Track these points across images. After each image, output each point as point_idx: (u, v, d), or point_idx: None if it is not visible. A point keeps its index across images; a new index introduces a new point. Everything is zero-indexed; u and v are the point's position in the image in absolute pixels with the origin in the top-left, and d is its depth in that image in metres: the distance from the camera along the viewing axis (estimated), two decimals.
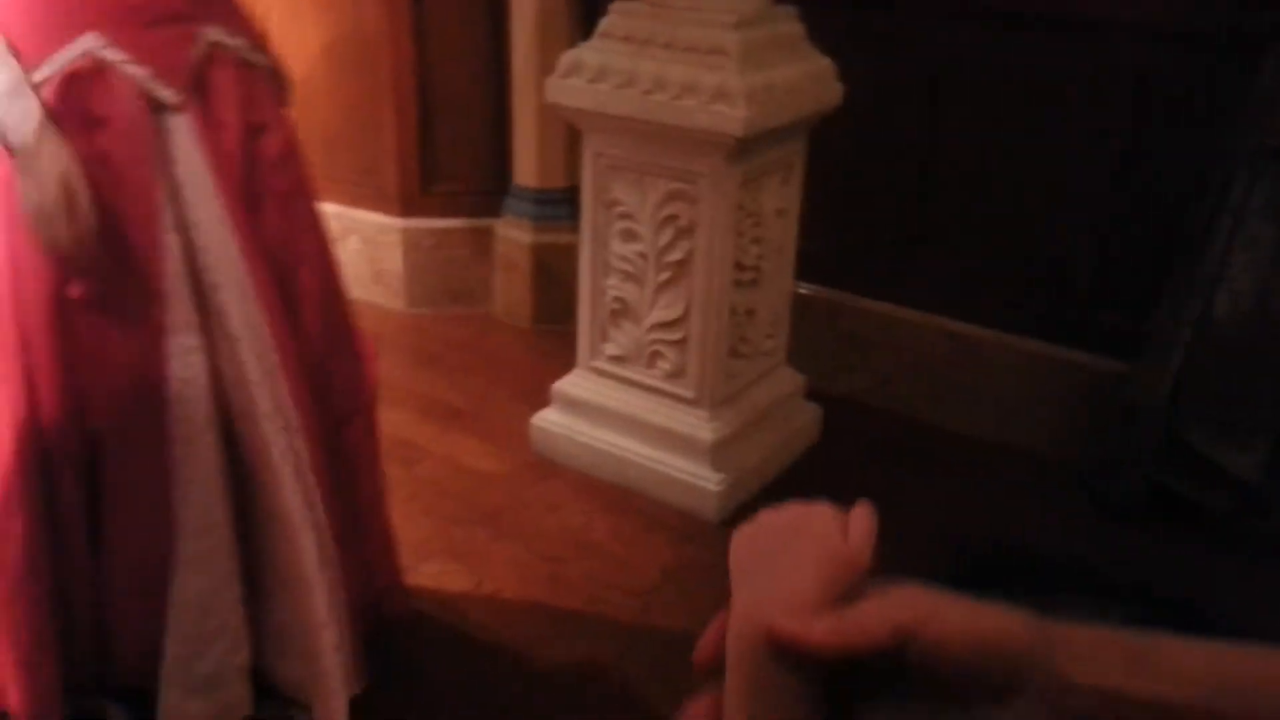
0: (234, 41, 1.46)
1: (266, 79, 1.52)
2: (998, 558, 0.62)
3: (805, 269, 2.44)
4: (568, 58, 2.12)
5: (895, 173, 2.50)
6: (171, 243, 1.39)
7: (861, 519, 0.53)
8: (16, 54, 1.33)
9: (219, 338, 1.43)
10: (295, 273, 1.50)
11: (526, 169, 3.01)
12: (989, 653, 0.47)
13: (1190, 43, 2.13)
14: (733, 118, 1.95)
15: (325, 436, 1.53)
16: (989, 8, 2.31)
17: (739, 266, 2.16)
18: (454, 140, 3.10)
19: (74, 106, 1.34)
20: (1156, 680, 0.45)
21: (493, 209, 3.11)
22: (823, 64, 2.18)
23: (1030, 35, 2.28)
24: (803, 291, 2.56)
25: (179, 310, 1.40)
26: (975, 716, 0.48)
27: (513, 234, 3.05)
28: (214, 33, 1.43)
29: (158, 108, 1.38)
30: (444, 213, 3.16)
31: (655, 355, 2.23)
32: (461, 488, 2.29)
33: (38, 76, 1.33)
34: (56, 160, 1.30)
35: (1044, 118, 2.31)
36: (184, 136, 1.40)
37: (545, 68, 2.75)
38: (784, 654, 0.50)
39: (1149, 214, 2.25)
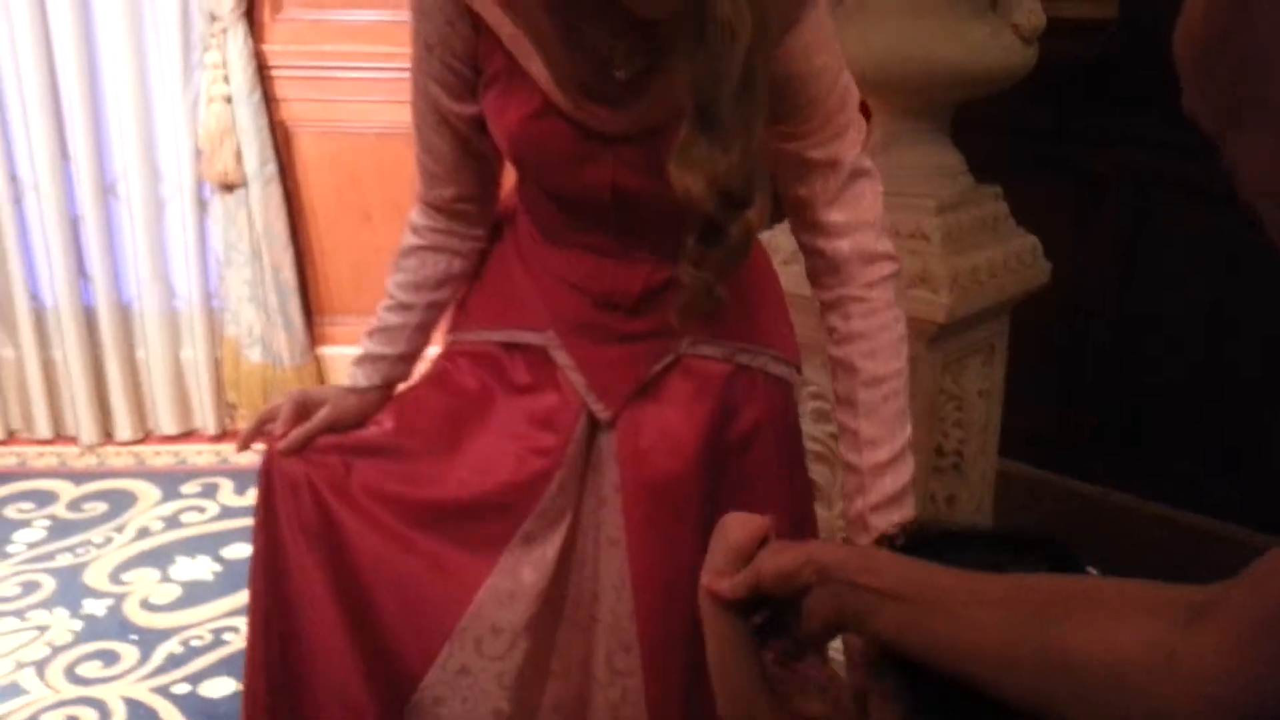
0: (721, 349, 1.32)
1: (768, 381, 1.36)
2: (924, 532, 0.95)
3: (1007, 447, 2.27)
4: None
5: (1104, 347, 2.33)
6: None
7: (753, 519, 0.90)
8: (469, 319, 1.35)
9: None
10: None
11: None
12: (799, 568, 0.83)
13: None
14: (936, 304, 1.84)
15: None
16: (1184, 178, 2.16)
17: (939, 452, 2.02)
18: None
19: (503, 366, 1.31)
20: (878, 578, 0.80)
21: None
22: (1027, 242, 2.05)
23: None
24: (1005, 472, 2.38)
25: None
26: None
27: None
28: (689, 343, 1.30)
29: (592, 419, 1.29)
30: None
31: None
32: None
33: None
34: None
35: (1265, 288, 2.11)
36: (607, 451, 1.29)
37: None
38: (713, 603, 0.88)
39: None
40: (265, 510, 1.26)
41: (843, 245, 1.21)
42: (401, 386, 1.37)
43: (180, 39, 3.04)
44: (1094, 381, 2.35)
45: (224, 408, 3.34)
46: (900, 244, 1.89)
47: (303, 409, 1.28)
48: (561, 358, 1.30)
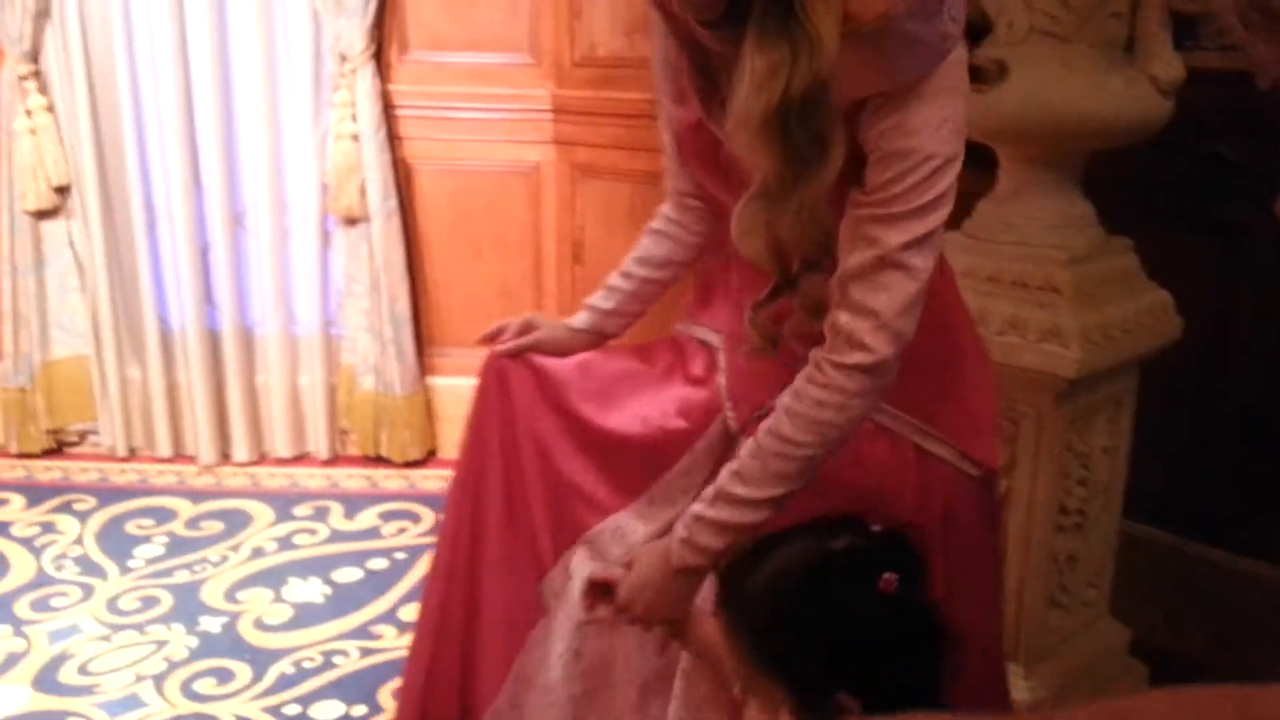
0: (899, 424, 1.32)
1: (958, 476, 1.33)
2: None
3: (1131, 508, 2.17)
4: None
5: (1239, 406, 2.21)
6: None
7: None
8: None
9: None
10: None
11: None
12: None
13: None
14: (1065, 359, 1.77)
15: None
16: None
17: (1062, 510, 1.94)
18: None
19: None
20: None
21: None
22: (1159, 297, 1.96)
23: None
24: (1128, 534, 2.28)
25: None
26: None
27: None
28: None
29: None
30: None
31: None
32: None
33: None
34: None
35: None
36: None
37: None
38: None
39: None
40: (477, 393, 1.52)
41: (840, 317, 1.17)
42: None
43: (312, 79, 3.12)
44: (1226, 442, 2.23)
45: (336, 433, 3.39)
46: (1029, 296, 1.84)
47: (527, 327, 1.52)
48: (720, 360, 1.45)
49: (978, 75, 1.24)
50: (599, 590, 1.29)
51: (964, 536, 1.33)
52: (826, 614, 1.00)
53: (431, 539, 2.86)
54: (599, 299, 1.56)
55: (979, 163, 2.00)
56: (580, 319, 1.56)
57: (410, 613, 2.54)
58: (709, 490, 1.24)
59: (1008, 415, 1.89)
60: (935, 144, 1.12)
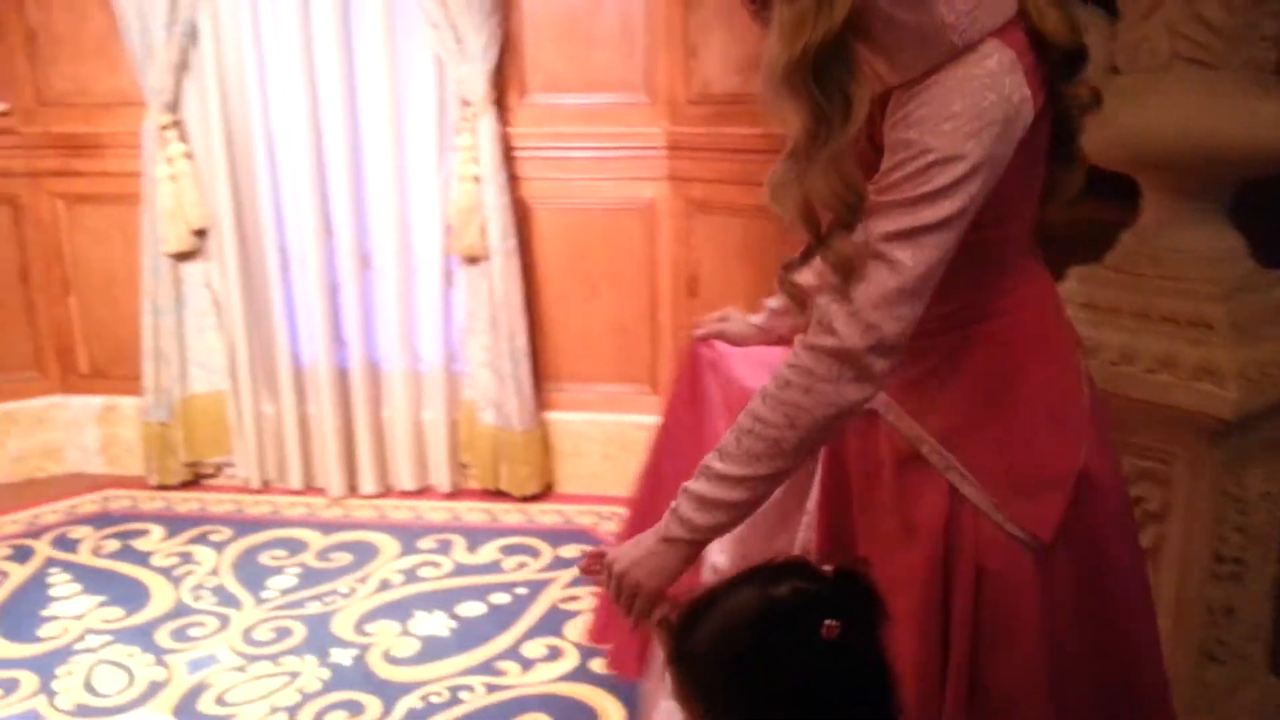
0: (907, 428, 1.29)
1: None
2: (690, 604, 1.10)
3: None
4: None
5: None
6: None
7: None
8: None
9: None
10: None
11: None
12: None
13: None
14: (1221, 398, 1.67)
15: None
16: None
17: (1217, 558, 1.82)
18: None
19: None
20: None
21: None
22: None
23: None
24: None
25: None
26: None
27: None
28: (885, 404, 1.30)
29: None
30: None
31: None
32: None
33: None
34: None
35: None
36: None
37: None
38: None
39: None
40: (675, 368, 1.81)
41: (821, 299, 1.18)
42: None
43: (436, 124, 3.18)
44: None
45: (457, 467, 3.42)
46: (1180, 332, 1.74)
47: (722, 317, 1.78)
48: None
49: (1075, 103, 1.21)
50: (599, 556, 1.28)
51: (1002, 596, 1.23)
52: (769, 665, 1.00)
53: (550, 574, 2.87)
54: (772, 300, 1.73)
55: (1121, 193, 1.92)
56: (757, 317, 1.75)
57: (533, 650, 2.53)
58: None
59: (1159, 457, 1.79)
60: (935, 138, 1.09)
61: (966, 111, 1.09)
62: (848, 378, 1.14)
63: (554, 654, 2.52)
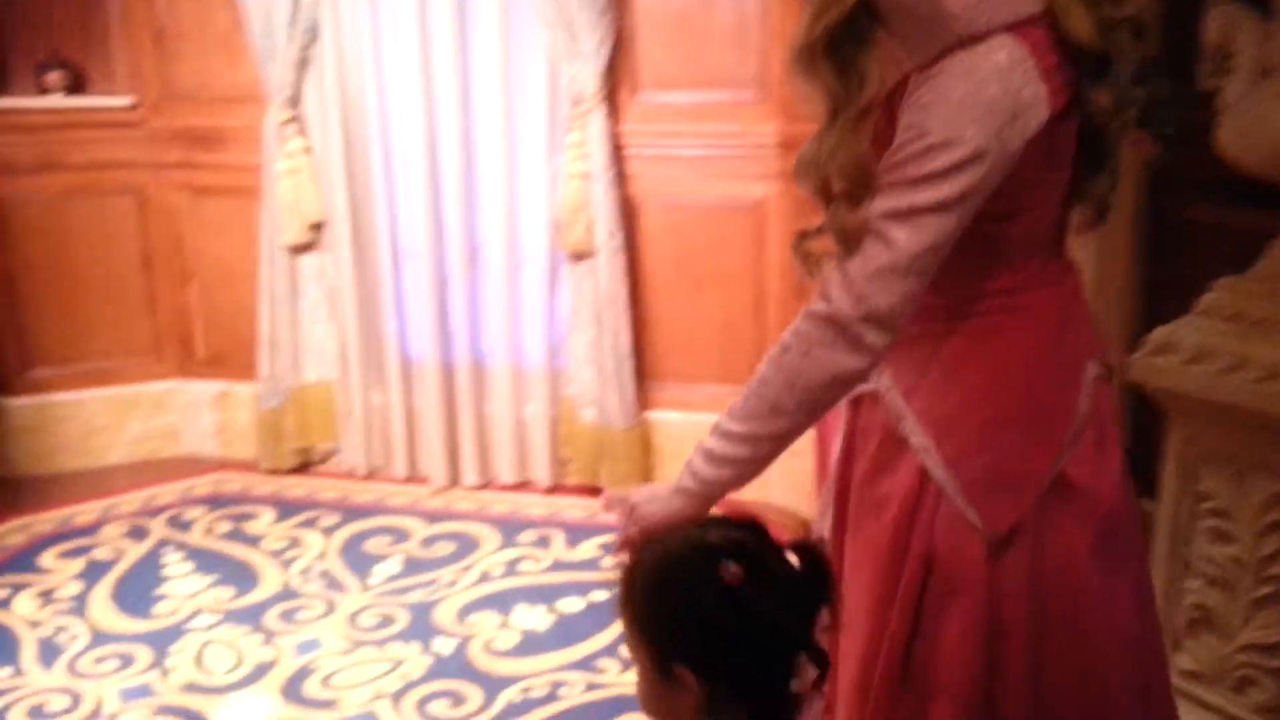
0: (894, 399, 1.32)
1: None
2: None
3: None
4: (1159, 335, 1.83)
5: None
6: None
7: None
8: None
9: None
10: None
11: None
12: None
13: None
14: None
15: None
16: None
17: None
18: None
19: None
20: None
21: None
22: None
23: None
24: None
25: None
26: None
27: None
28: (879, 377, 1.32)
29: None
30: None
31: (1246, 681, 1.79)
32: None
33: None
34: None
35: None
36: None
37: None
38: None
39: None
40: None
41: (826, 269, 1.23)
42: None
43: (547, 120, 3.17)
44: None
45: (557, 463, 3.41)
46: None
47: None
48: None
49: (1094, 109, 1.19)
50: (622, 498, 1.32)
51: (946, 579, 1.26)
52: (675, 594, 1.09)
53: None
54: None
55: (1271, 200, 1.80)
56: None
57: None
58: None
59: None
60: (935, 122, 1.12)
61: (968, 99, 1.11)
62: (841, 345, 1.17)
63: None
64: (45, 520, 3.16)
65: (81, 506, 3.24)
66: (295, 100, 3.29)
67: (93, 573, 2.87)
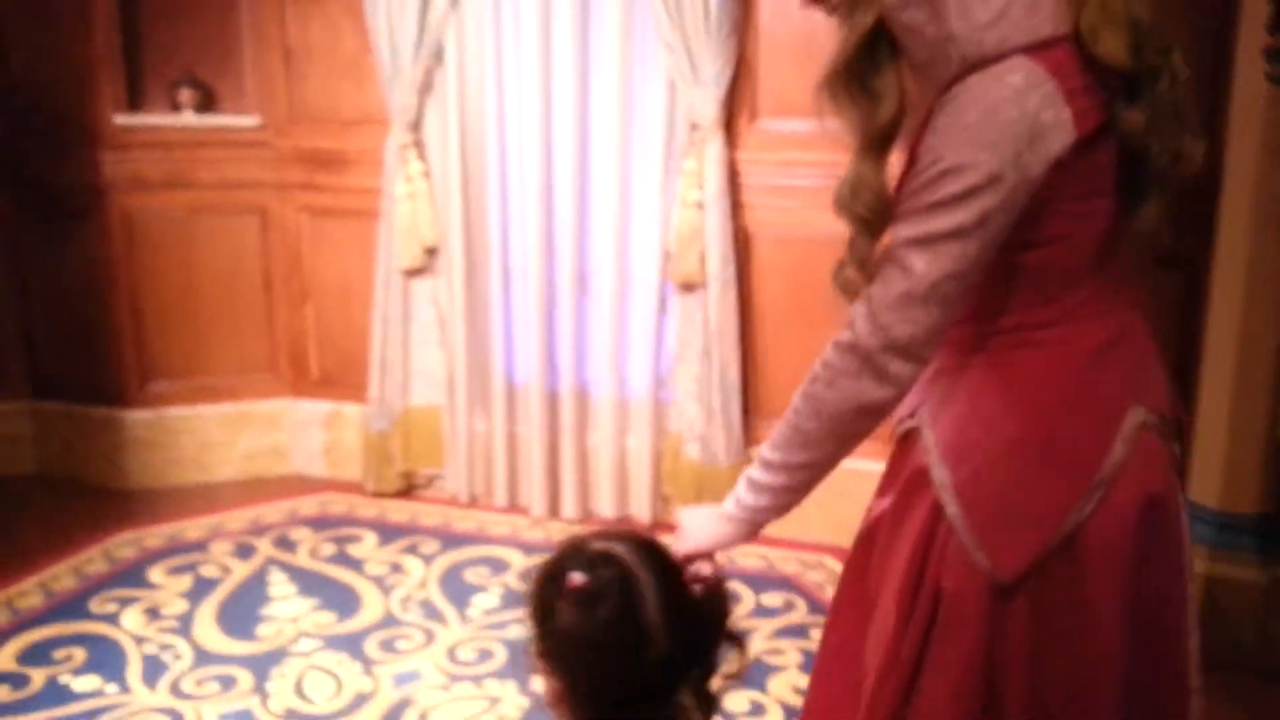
0: (923, 430, 1.31)
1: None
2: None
3: None
4: None
5: None
6: None
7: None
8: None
9: None
10: None
11: (1208, 486, 2.49)
12: None
13: None
14: None
15: None
16: None
17: None
18: None
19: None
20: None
21: None
22: None
23: None
24: None
25: None
26: None
27: None
28: (915, 414, 1.33)
29: None
30: None
31: None
32: None
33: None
34: None
35: None
36: None
37: (1248, 387, 2.28)
38: None
39: None
40: None
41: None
42: None
43: (663, 147, 3.09)
44: None
45: (659, 499, 3.30)
46: None
47: None
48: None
49: (1126, 130, 1.12)
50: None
51: (949, 618, 1.20)
52: (534, 589, 1.17)
53: (752, 622, 2.70)
54: None
55: None
56: None
57: (736, 703, 2.37)
58: None
59: None
60: (947, 147, 1.10)
61: (980, 123, 1.09)
62: (866, 375, 1.16)
63: (757, 710, 2.35)
64: (155, 534, 3.18)
65: (191, 522, 3.26)
66: (417, 124, 3.28)
67: (199, 590, 2.86)
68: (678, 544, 1.26)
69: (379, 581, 2.93)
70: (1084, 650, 1.17)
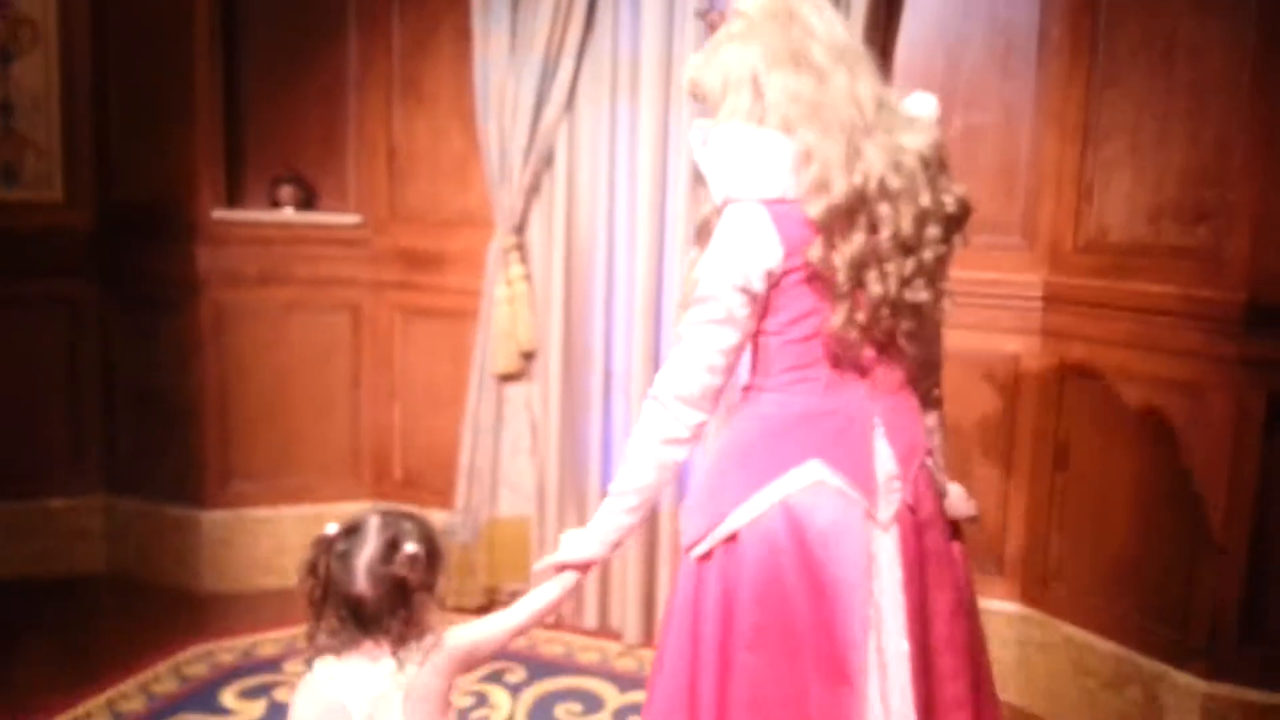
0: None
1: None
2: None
3: None
4: None
5: None
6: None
7: None
8: None
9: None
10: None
11: None
12: None
13: None
14: None
15: None
16: None
17: None
18: None
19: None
20: None
21: None
22: None
23: None
24: None
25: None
26: None
27: None
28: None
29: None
30: (1266, 683, 2.34)
31: None
32: None
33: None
34: None
35: None
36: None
37: None
38: None
39: None
40: None
41: None
42: None
43: None
44: None
45: None
46: None
47: None
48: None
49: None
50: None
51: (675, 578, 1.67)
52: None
53: None
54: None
55: None
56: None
57: None
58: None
59: None
60: (704, 260, 1.48)
61: (722, 244, 1.43)
62: (664, 418, 1.49)
63: None
64: (228, 649, 2.90)
65: (265, 636, 2.98)
66: (521, 227, 3.08)
67: (273, 717, 2.57)
68: (554, 556, 1.54)
69: (463, 716, 2.62)
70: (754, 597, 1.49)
